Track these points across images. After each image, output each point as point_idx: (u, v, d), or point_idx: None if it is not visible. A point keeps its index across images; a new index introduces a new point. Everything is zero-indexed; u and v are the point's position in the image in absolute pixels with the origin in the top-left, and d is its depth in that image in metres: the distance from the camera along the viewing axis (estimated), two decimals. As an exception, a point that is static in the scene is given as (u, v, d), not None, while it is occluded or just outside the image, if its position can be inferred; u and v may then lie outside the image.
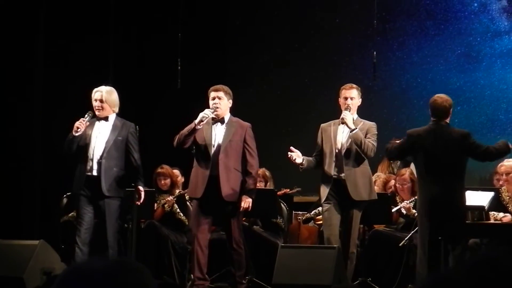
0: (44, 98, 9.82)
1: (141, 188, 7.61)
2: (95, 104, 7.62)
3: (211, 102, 7.56)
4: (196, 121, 7.42)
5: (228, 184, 7.44)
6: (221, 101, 7.54)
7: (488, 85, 11.07)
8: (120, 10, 10.72)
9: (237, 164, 7.51)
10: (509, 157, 8.75)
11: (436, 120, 7.33)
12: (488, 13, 11.25)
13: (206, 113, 7.43)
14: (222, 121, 7.59)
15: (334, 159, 7.67)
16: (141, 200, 7.64)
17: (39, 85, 9.86)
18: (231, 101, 7.64)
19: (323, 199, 7.70)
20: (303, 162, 7.71)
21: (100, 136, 7.58)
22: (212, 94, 7.59)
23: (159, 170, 8.99)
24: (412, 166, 9.82)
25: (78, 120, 7.58)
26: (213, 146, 7.53)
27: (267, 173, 9.21)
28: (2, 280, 7.08)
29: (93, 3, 10.39)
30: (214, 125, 7.58)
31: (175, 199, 8.85)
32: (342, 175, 7.65)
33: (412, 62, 11.35)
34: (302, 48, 11.51)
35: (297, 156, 7.69)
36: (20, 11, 9.70)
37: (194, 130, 7.45)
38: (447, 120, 7.35)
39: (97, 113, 7.61)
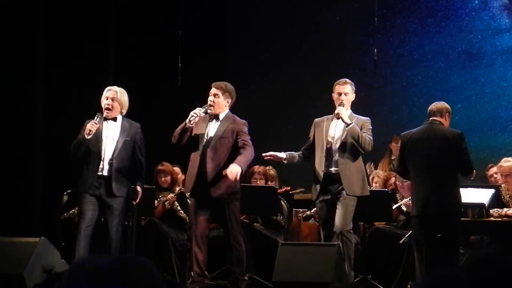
0: (45, 97, 9.82)
1: (139, 189, 7.67)
2: (106, 102, 7.63)
3: (209, 98, 7.56)
4: (187, 120, 7.42)
5: (217, 181, 7.38)
6: (216, 99, 7.51)
7: (488, 83, 11.06)
8: (121, 8, 10.71)
9: (228, 161, 7.43)
10: (509, 156, 8.76)
11: (431, 120, 7.30)
12: (489, 11, 11.24)
13: (196, 112, 7.41)
14: (217, 117, 7.56)
15: (324, 154, 7.59)
16: (137, 201, 7.70)
17: (39, 84, 9.86)
18: (229, 99, 7.58)
19: (314, 197, 7.64)
20: (286, 156, 7.73)
21: (109, 136, 7.62)
22: (211, 90, 7.57)
23: (160, 167, 8.99)
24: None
25: (80, 120, 7.64)
26: (204, 142, 7.51)
27: (272, 171, 9.20)
28: (2, 277, 7.08)
29: (94, 0, 10.38)
30: (210, 121, 7.56)
31: (175, 196, 8.85)
32: (332, 169, 7.57)
33: (412, 60, 11.34)
34: (303, 46, 11.50)
35: (271, 156, 7.71)
36: (20, 10, 9.69)
37: (185, 128, 7.44)
38: (442, 121, 7.31)
39: (105, 112, 7.62)
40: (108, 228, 7.58)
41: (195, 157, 7.51)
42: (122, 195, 7.57)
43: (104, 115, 7.62)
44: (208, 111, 7.50)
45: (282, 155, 7.75)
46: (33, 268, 7.06)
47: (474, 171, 7.39)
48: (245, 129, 7.54)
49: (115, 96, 7.65)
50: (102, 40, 10.47)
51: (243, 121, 7.61)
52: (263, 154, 7.76)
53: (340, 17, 11.45)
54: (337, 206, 7.51)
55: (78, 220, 7.63)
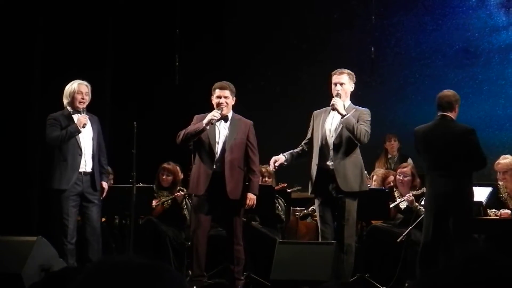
0: (43, 98, 9.81)
1: (105, 185, 7.79)
2: (80, 96, 7.65)
3: (216, 100, 7.49)
4: (205, 121, 7.37)
5: (233, 181, 7.44)
6: (227, 100, 7.50)
7: (486, 80, 11.06)
8: (118, 7, 10.70)
9: (241, 162, 7.52)
10: (506, 154, 8.76)
11: (441, 114, 7.25)
12: (486, 8, 11.24)
13: (215, 115, 7.37)
14: (225, 119, 7.54)
15: (319, 147, 7.43)
16: (103, 196, 7.76)
17: (37, 84, 9.85)
18: (234, 98, 7.61)
19: (310, 191, 7.52)
20: (286, 158, 7.55)
21: (84, 131, 7.63)
22: (218, 93, 7.51)
23: (166, 165, 8.93)
24: (410, 160, 9.83)
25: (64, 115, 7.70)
26: (218, 144, 7.50)
27: (269, 168, 9.18)
28: (0, 276, 7.06)
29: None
30: (218, 123, 7.54)
31: (185, 194, 8.76)
32: (329, 163, 7.39)
33: (410, 58, 11.35)
34: (300, 44, 11.50)
35: (275, 163, 7.56)
36: (18, 12, 9.69)
37: (202, 131, 7.42)
38: (452, 116, 7.28)
39: (81, 106, 7.65)
40: (90, 225, 7.61)
41: (206, 159, 7.49)
42: (101, 189, 7.69)
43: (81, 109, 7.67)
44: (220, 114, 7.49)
45: (282, 158, 7.57)
46: (31, 267, 7.04)
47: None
48: (253, 130, 7.62)
49: (88, 90, 7.69)
50: (100, 38, 10.46)
51: (250, 121, 7.67)
52: (271, 166, 7.62)
53: (338, 16, 11.45)
54: (339, 215, 7.41)
55: (63, 220, 7.58)
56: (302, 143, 7.70)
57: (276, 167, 7.65)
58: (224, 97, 7.49)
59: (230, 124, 7.57)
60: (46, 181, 7.71)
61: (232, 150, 7.48)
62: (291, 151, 7.69)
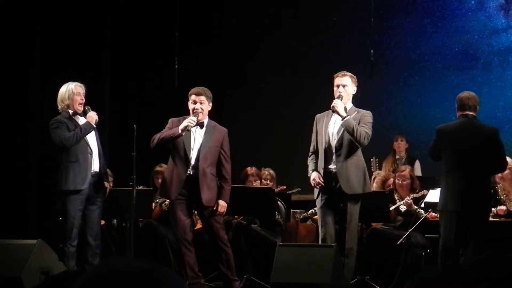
0: (41, 100, 9.82)
1: (106, 185, 7.81)
2: (80, 98, 7.66)
3: (191, 106, 7.49)
4: (181, 127, 7.37)
5: (207, 189, 7.45)
6: (202, 106, 7.49)
7: (485, 83, 11.07)
8: (118, 9, 10.71)
9: (213, 169, 7.53)
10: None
11: (465, 113, 7.18)
12: (486, 11, 11.26)
13: (191, 122, 7.38)
14: (201, 125, 7.53)
15: (323, 151, 7.41)
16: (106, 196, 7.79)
17: (36, 87, 9.85)
18: (211, 104, 7.58)
19: (315, 195, 7.53)
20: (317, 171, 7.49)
21: None
22: (193, 98, 7.49)
23: (160, 168, 8.96)
24: (417, 163, 9.83)
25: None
26: (192, 150, 7.50)
27: (272, 171, 9.22)
28: (0, 280, 7.07)
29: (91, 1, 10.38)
30: (193, 129, 7.51)
31: None
32: (332, 167, 7.40)
33: (409, 60, 11.35)
34: (299, 47, 11.50)
35: (319, 179, 7.45)
36: (17, 12, 9.70)
37: (177, 136, 7.43)
38: (475, 114, 7.21)
39: (81, 107, 7.65)
40: (91, 227, 7.60)
41: (180, 164, 7.49)
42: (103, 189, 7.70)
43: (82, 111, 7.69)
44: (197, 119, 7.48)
45: (319, 175, 7.45)
46: (31, 270, 7.05)
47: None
48: (228, 138, 7.62)
49: (84, 91, 7.71)
50: (99, 41, 10.47)
51: (225, 129, 7.68)
52: (320, 184, 7.41)
53: (337, 18, 11.46)
54: (342, 218, 7.41)
55: (68, 223, 7.58)
56: (312, 151, 7.61)
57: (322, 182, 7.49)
58: (200, 102, 7.47)
59: (205, 131, 7.56)
60: (58, 184, 7.55)
61: (206, 157, 7.49)
62: (312, 164, 7.56)
